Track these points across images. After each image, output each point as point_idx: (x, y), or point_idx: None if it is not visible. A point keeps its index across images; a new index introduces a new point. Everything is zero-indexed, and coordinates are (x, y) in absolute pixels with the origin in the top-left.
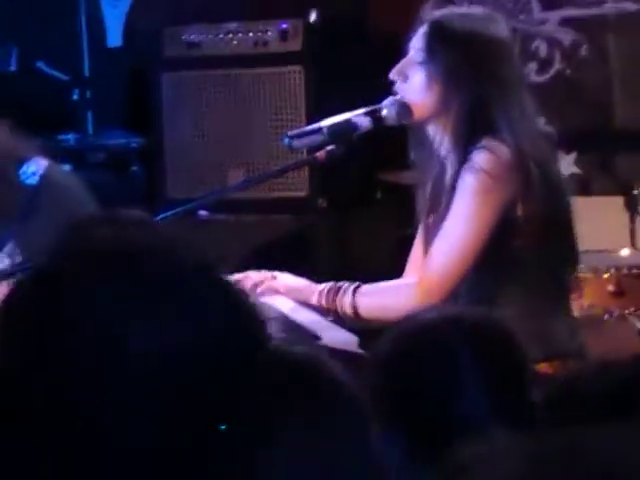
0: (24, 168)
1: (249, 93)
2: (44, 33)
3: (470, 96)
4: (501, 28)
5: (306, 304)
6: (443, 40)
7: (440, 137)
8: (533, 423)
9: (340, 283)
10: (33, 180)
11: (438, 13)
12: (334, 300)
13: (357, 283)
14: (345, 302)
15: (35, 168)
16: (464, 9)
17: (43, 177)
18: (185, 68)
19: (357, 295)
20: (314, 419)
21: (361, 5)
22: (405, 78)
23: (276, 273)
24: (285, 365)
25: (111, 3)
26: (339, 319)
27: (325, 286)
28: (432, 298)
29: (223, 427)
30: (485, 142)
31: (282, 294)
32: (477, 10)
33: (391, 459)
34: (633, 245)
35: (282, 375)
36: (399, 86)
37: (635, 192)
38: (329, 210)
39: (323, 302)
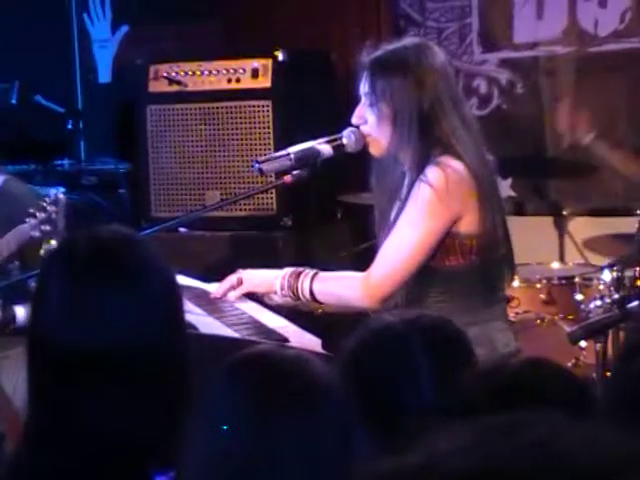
0: None
1: (224, 124)
2: (42, 70)
3: (419, 122)
4: (435, 53)
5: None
6: (383, 77)
7: (400, 159)
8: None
9: (301, 268)
10: None
11: (374, 54)
12: (295, 282)
13: (316, 270)
14: (304, 286)
15: None
16: (398, 42)
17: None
18: (167, 102)
19: (315, 281)
20: (304, 415)
21: (325, 43)
22: (365, 121)
23: (240, 272)
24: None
25: (101, 44)
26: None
27: (288, 270)
28: (374, 293)
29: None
30: (439, 158)
31: (251, 289)
32: (410, 40)
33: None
34: (561, 259)
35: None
36: (362, 128)
37: (564, 213)
38: (294, 228)
39: (285, 285)
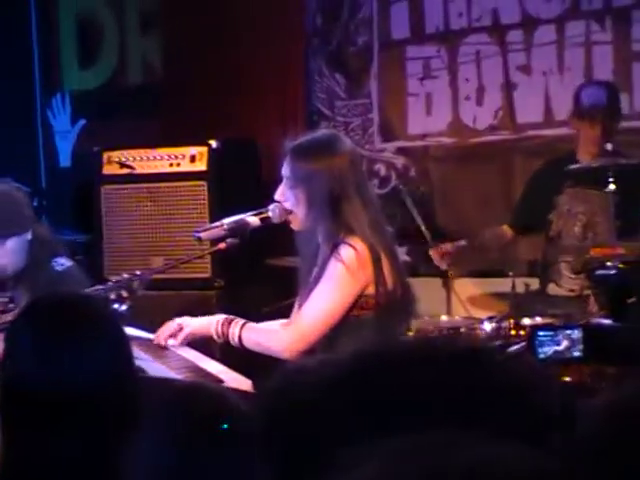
0: (57, 259)
1: (167, 201)
2: (11, 156)
3: (328, 206)
4: (344, 143)
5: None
6: (300, 164)
7: (316, 234)
8: None
9: (232, 317)
10: (60, 268)
11: (294, 143)
12: (227, 329)
13: (245, 320)
14: (234, 333)
15: (64, 262)
16: (314, 133)
17: (67, 269)
18: (118, 183)
19: (243, 329)
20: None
21: (252, 133)
22: (285, 198)
23: (179, 320)
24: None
25: (62, 135)
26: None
27: (221, 317)
28: (297, 344)
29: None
30: (347, 239)
31: (190, 333)
32: (323, 131)
33: None
34: (449, 313)
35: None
36: (284, 204)
37: (449, 275)
38: (225, 287)
39: (219, 330)
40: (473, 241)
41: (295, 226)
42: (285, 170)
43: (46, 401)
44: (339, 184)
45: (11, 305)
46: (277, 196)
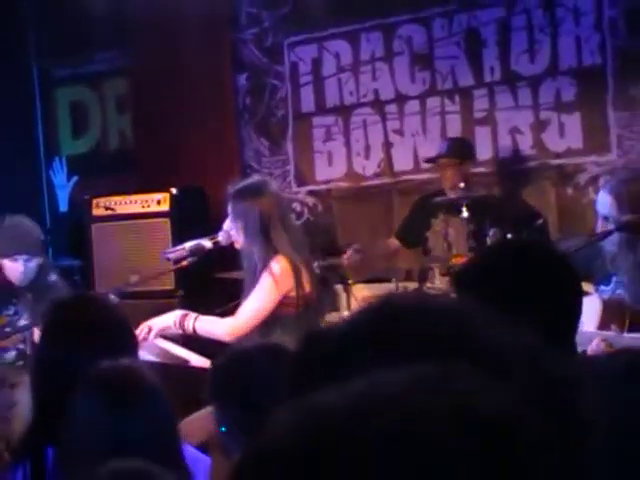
0: (48, 277)
1: (140, 233)
2: (22, 203)
3: (260, 233)
4: (271, 187)
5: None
6: (238, 203)
7: (253, 252)
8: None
9: (187, 312)
10: (50, 282)
11: (234, 188)
12: (183, 321)
13: (197, 314)
14: (189, 324)
15: (54, 277)
16: (248, 180)
17: (55, 282)
18: (104, 221)
19: (196, 321)
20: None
21: (202, 182)
22: (230, 228)
23: (148, 322)
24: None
25: (60, 188)
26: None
27: (179, 312)
28: (236, 330)
29: None
30: (275, 257)
31: (160, 330)
32: (256, 178)
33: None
34: (349, 309)
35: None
36: (230, 232)
37: (349, 282)
38: (185, 296)
39: (177, 322)
40: (366, 249)
41: (238, 246)
42: (229, 208)
43: None
44: (267, 217)
45: (16, 317)
46: (225, 226)
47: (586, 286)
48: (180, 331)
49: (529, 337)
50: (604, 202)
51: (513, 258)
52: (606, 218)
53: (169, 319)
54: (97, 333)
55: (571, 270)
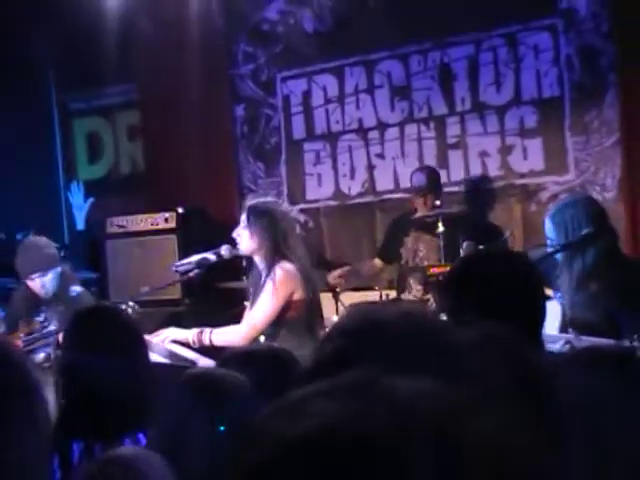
0: (73, 287)
1: (150, 249)
2: (44, 223)
3: (271, 242)
4: (280, 206)
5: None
6: (254, 215)
7: (259, 261)
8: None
9: (201, 329)
10: (75, 293)
11: (249, 204)
12: (200, 337)
13: (211, 329)
14: (205, 338)
15: (78, 289)
16: (260, 198)
17: (80, 294)
18: (118, 238)
19: (211, 335)
20: None
21: (204, 203)
22: (240, 236)
23: (167, 332)
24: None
25: (78, 207)
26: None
27: (195, 330)
28: (248, 334)
29: None
30: (280, 263)
31: (174, 341)
32: (266, 198)
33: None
34: (337, 314)
35: None
36: (238, 240)
37: (337, 290)
38: (191, 305)
39: (195, 340)
40: (354, 270)
41: (248, 252)
42: (244, 218)
43: None
44: (279, 231)
45: (45, 323)
46: (234, 234)
47: (548, 291)
48: (196, 345)
49: (509, 334)
50: (547, 227)
51: (488, 266)
52: (550, 239)
53: (186, 335)
54: (110, 340)
55: (538, 276)
